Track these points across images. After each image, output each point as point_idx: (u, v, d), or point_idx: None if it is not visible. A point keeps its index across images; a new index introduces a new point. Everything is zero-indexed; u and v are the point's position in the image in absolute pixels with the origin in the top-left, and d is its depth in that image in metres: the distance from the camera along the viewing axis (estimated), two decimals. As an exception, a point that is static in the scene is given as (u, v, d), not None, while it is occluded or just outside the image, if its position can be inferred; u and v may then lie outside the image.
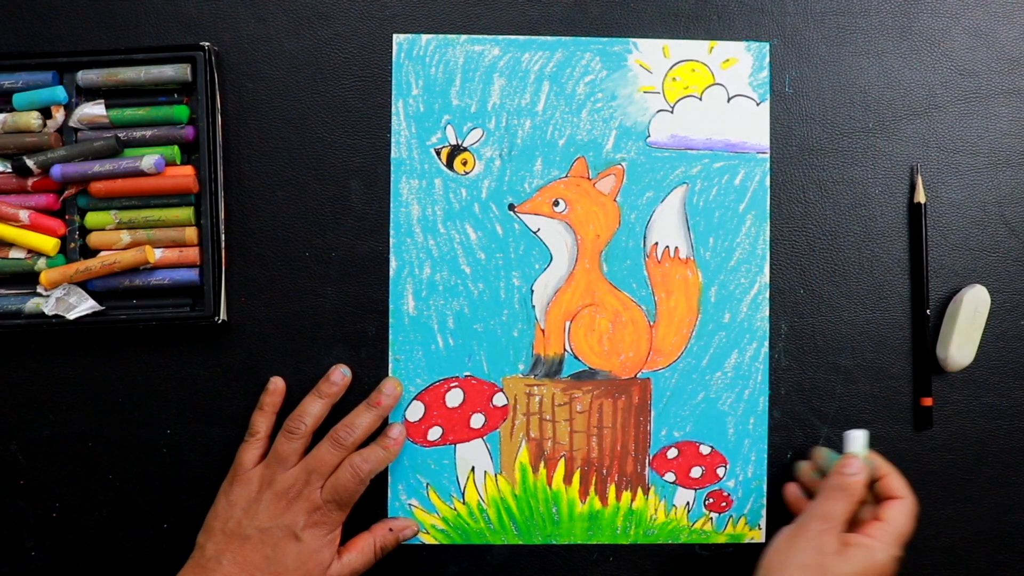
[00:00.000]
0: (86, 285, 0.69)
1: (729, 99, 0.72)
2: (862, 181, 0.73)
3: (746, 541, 0.73)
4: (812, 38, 0.73)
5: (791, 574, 0.61)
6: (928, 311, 0.72)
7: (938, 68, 0.73)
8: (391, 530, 0.70)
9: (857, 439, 0.67)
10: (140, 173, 0.67)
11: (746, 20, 0.72)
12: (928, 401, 0.72)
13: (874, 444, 0.72)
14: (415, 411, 0.71)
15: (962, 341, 0.71)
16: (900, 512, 0.64)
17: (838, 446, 0.72)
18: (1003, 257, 0.73)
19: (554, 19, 0.72)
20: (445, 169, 0.71)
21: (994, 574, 0.73)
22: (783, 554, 0.63)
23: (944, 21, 0.73)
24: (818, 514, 0.64)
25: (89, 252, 0.69)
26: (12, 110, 0.69)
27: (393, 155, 0.71)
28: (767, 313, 0.72)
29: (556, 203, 0.72)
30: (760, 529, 0.73)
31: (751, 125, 0.72)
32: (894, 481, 0.65)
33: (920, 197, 0.72)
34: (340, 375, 0.70)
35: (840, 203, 0.73)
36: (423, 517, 0.71)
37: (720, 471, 0.72)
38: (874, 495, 0.66)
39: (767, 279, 0.72)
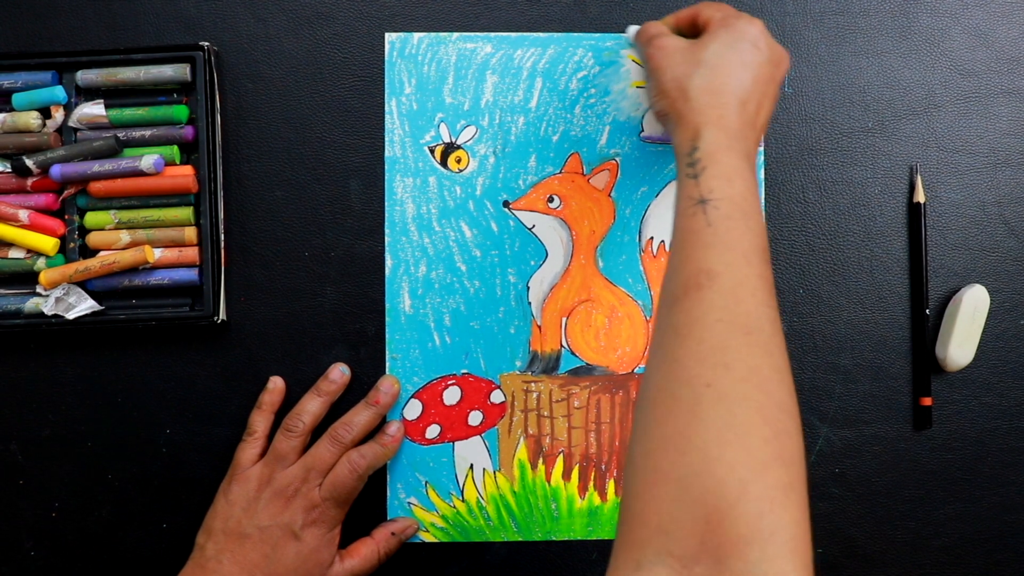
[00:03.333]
0: (85, 285, 0.69)
1: (723, 94, 0.72)
2: (862, 181, 0.73)
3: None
4: (812, 38, 0.73)
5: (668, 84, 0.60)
6: (927, 311, 0.72)
7: (937, 68, 0.73)
8: (393, 534, 0.70)
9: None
10: (139, 173, 0.68)
11: (745, 20, 0.72)
12: (927, 401, 0.72)
13: (874, 444, 0.73)
14: (413, 409, 0.71)
15: (961, 341, 0.71)
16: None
17: (837, 446, 0.72)
18: (1003, 257, 0.73)
19: (553, 19, 0.72)
20: (439, 167, 0.71)
21: (993, 574, 0.73)
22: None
23: (944, 21, 0.73)
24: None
25: (88, 252, 0.69)
26: (11, 110, 0.69)
27: (387, 154, 0.71)
28: (764, 309, 0.72)
29: (550, 199, 0.72)
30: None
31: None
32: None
33: (920, 197, 0.72)
34: (339, 373, 0.70)
35: (840, 203, 0.73)
36: (422, 515, 0.71)
37: (719, 470, 0.72)
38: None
39: (764, 273, 0.72)
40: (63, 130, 0.69)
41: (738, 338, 0.49)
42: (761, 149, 0.72)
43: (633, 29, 0.68)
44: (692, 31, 0.65)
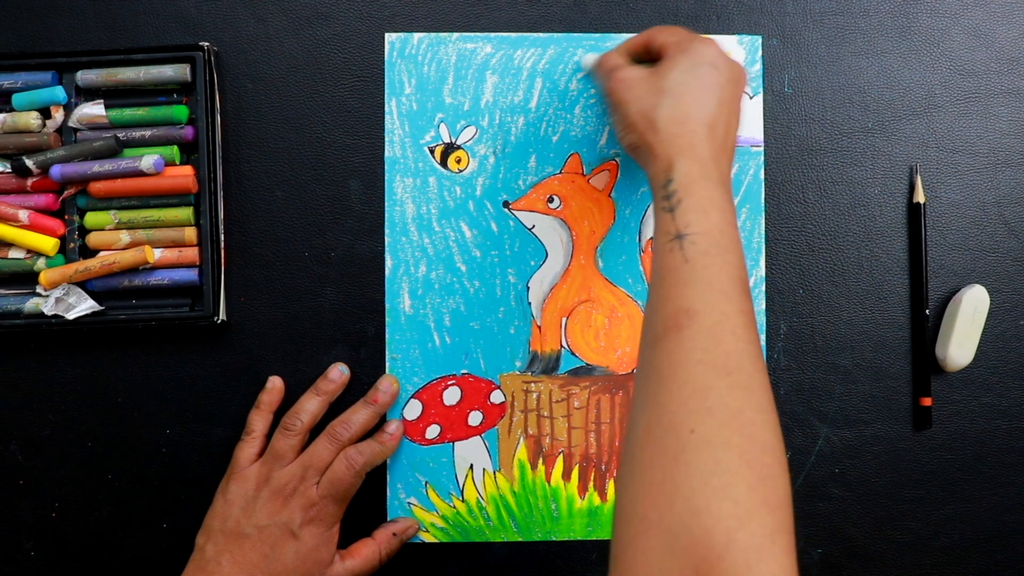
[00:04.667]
0: (85, 285, 0.69)
1: (722, 93, 0.72)
2: (862, 181, 0.73)
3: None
4: (811, 38, 0.73)
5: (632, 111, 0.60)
6: (927, 311, 0.72)
7: (937, 68, 0.73)
8: (394, 535, 0.70)
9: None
10: (139, 173, 0.68)
11: (745, 20, 0.72)
12: (927, 401, 0.72)
13: (874, 444, 0.73)
14: (413, 409, 0.71)
15: (961, 341, 0.71)
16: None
17: (838, 446, 0.72)
18: (1002, 257, 0.73)
19: (553, 19, 0.72)
20: (439, 167, 0.71)
21: (993, 574, 0.73)
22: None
23: (944, 21, 0.73)
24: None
25: (88, 252, 0.69)
26: (11, 110, 0.69)
27: (387, 154, 0.71)
28: (764, 307, 0.72)
29: (550, 199, 0.72)
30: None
31: (745, 119, 0.72)
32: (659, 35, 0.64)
33: (919, 197, 0.72)
34: (339, 373, 0.70)
35: (840, 203, 0.73)
36: (422, 515, 0.71)
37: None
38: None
39: (763, 272, 0.72)
40: (63, 130, 0.69)
41: (720, 379, 0.50)
42: (761, 149, 0.72)
43: (589, 58, 0.69)
44: (647, 57, 0.65)
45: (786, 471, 0.49)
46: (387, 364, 0.71)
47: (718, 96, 0.59)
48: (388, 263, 0.71)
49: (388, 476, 0.71)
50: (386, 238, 0.71)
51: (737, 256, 0.54)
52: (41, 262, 0.68)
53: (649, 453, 0.49)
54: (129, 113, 0.69)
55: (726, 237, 0.54)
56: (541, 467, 0.72)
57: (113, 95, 0.69)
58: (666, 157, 0.57)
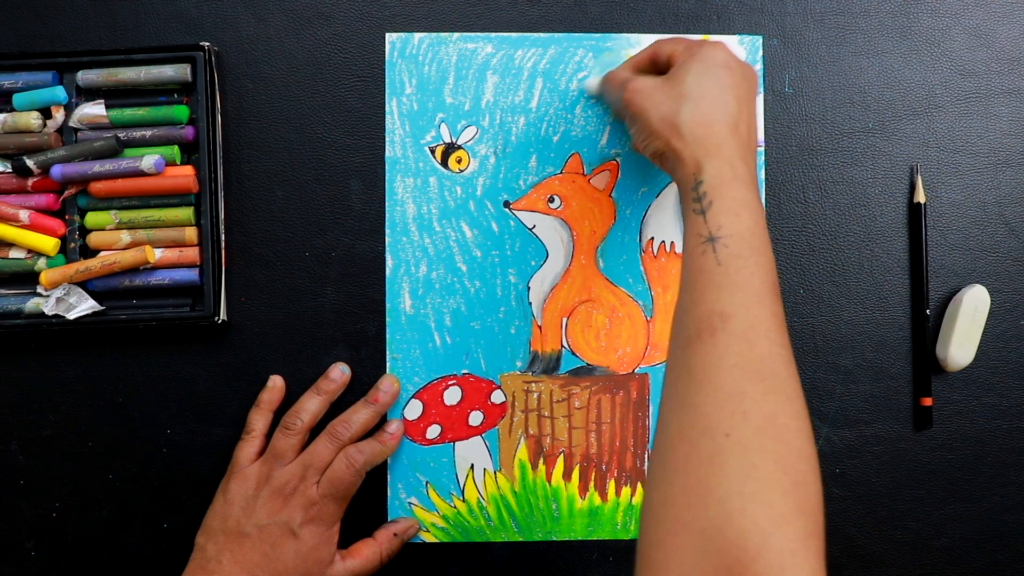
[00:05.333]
0: (86, 285, 0.69)
1: (724, 93, 0.72)
2: (862, 181, 0.73)
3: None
4: (812, 38, 0.73)
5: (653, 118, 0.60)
6: (928, 311, 0.72)
7: (938, 68, 0.73)
8: (395, 535, 0.70)
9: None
10: (140, 173, 0.68)
11: (746, 20, 0.72)
12: (928, 401, 0.72)
13: (874, 444, 0.73)
14: (413, 409, 0.71)
15: (962, 341, 0.71)
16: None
17: (838, 446, 0.72)
18: (1003, 257, 0.73)
19: (554, 19, 0.72)
20: (440, 167, 0.71)
21: (994, 574, 0.73)
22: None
23: (944, 21, 0.73)
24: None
25: (89, 252, 0.69)
26: (12, 110, 0.69)
27: (387, 154, 0.71)
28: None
29: (551, 199, 0.72)
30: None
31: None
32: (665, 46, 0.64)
33: (920, 197, 0.72)
34: (339, 372, 0.70)
35: (840, 203, 0.73)
36: (423, 515, 0.71)
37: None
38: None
39: (764, 273, 0.72)
40: (64, 130, 0.69)
41: (754, 384, 0.50)
42: (761, 150, 0.72)
43: (592, 81, 0.70)
44: (654, 70, 0.65)
45: (819, 478, 0.49)
46: (388, 364, 0.71)
47: (736, 96, 0.59)
48: (389, 263, 0.71)
49: (389, 476, 0.71)
50: (387, 238, 0.71)
51: (768, 258, 0.54)
52: (42, 262, 0.68)
53: (682, 455, 0.49)
54: (130, 113, 0.69)
55: (758, 239, 0.54)
56: (542, 467, 0.72)
57: (114, 95, 0.69)
58: (694, 160, 0.57)
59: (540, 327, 0.72)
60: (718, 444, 0.48)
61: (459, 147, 0.71)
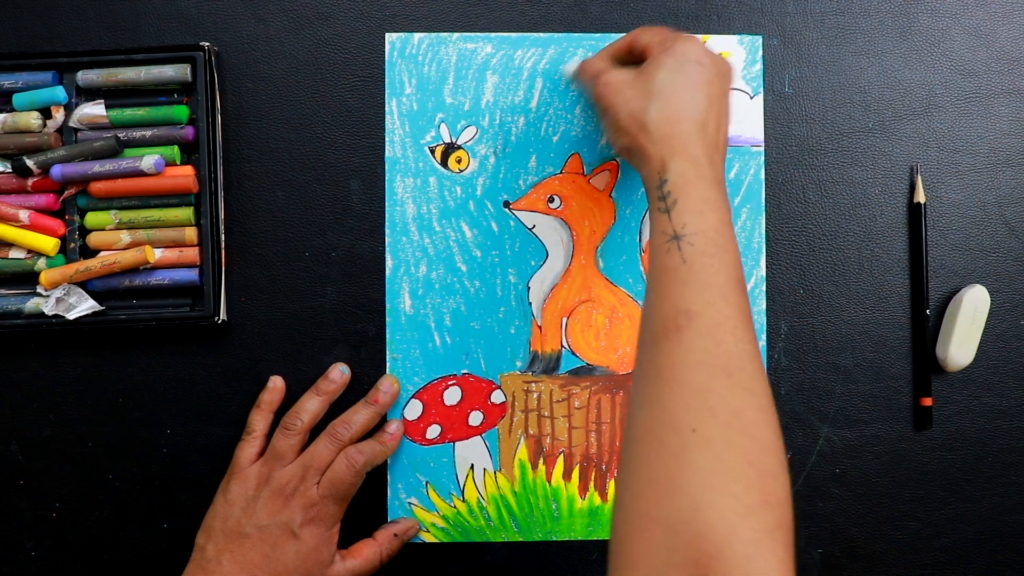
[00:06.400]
0: (86, 285, 0.69)
1: (723, 93, 0.72)
2: (862, 181, 0.73)
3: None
4: (812, 38, 0.73)
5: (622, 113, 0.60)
6: (928, 311, 0.72)
7: (938, 68, 0.73)
8: (396, 535, 0.70)
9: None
10: (140, 173, 0.68)
11: (746, 20, 0.72)
12: (928, 401, 0.72)
13: (874, 444, 0.73)
14: (413, 409, 0.71)
15: (962, 341, 0.71)
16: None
17: (838, 446, 0.72)
18: (1003, 257, 0.73)
19: (554, 19, 0.72)
20: (439, 167, 0.71)
21: (994, 574, 0.73)
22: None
23: (944, 21, 0.73)
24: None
25: (89, 252, 0.69)
26: (12, 110, 0.69)
27: (387, 154, 0.71)
28: (764, 307, 0.72)
29: (551, 199, 0.72)
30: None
31: (745, 119, 0.72)
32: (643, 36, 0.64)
33: (920, 197, 0.72)
34: (339, 373, 0.70)
35: (840, 203, 0.73)
36: (423, 515, 0.71)
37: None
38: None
39: (763, 272, 0.72)
40: (64, 130, 0.69)
41: (721, 380, 0.50)
42: (761, 149, 0.72)
43: (571, 66, 0.70)
44: (631, 59, 0.65)
45: (786, 470, 0.49)
46: (388, 364, 0.71)
47: (706, 93, 0.59)
48: (388, 263, 0.71)
49: (389, 476, 0.71)
50: (386, 238, 0.71)
51: (734, 255, 0.55)
52: (42, 262, 0.68)
53: (650, 451, 0.49)
54: (130, 113, 0.69)
55: (722, 237, 0.55)
56: (542, 467, 0.72)
57: (114, 95, 0.69)
58: (659, 158, 0.58)
59: (540, 327, 0.72)
60: (685, 440, 0.48)
61: (459, 147, 0.71)
